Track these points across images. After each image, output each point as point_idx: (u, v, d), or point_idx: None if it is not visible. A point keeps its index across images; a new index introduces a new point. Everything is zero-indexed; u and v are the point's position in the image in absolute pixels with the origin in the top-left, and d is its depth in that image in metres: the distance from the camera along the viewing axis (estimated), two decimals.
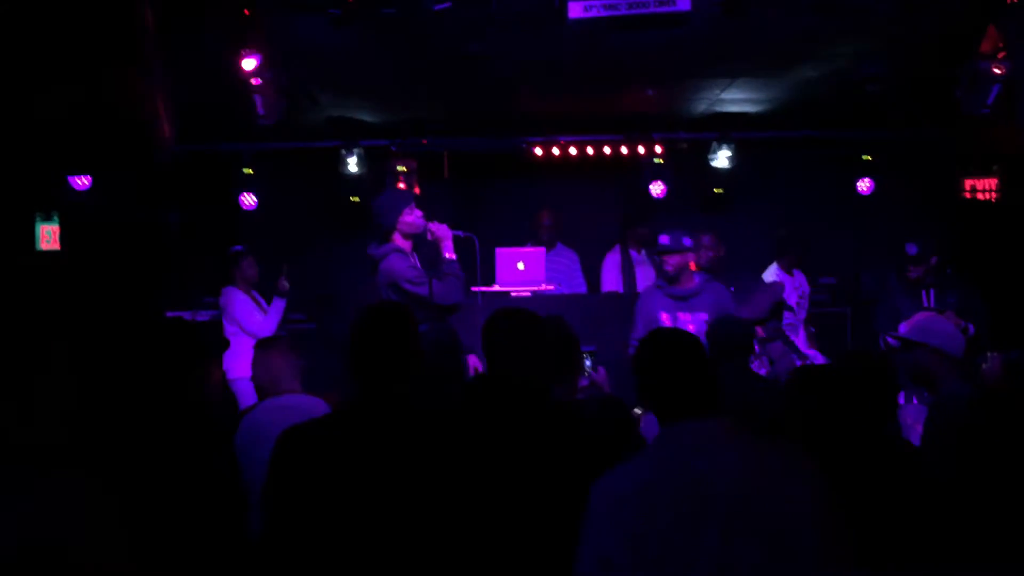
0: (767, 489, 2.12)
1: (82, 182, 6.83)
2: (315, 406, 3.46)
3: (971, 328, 5.77)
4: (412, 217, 5.28)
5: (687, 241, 5.66)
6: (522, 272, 6.79)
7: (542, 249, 7.07)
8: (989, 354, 4.33)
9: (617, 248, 7.89)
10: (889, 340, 5.32)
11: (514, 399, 2.98)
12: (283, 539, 2.43)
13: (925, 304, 6.29)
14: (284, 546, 2.42)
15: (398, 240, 5.25)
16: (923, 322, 4.22)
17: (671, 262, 5.64)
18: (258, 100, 5.08)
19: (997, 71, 4.69)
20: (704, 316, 5.55)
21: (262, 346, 3.77)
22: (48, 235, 7.58)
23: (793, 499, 2.12)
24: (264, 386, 3.62)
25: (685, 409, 2.25)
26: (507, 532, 2.55)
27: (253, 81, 4.91)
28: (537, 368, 3.15)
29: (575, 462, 2.85)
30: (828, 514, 2.14)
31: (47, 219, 7.54)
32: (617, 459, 3.43)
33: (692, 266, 5.81)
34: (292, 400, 3.49)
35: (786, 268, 7.09)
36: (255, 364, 3.69)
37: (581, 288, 7.63)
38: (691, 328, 5.41)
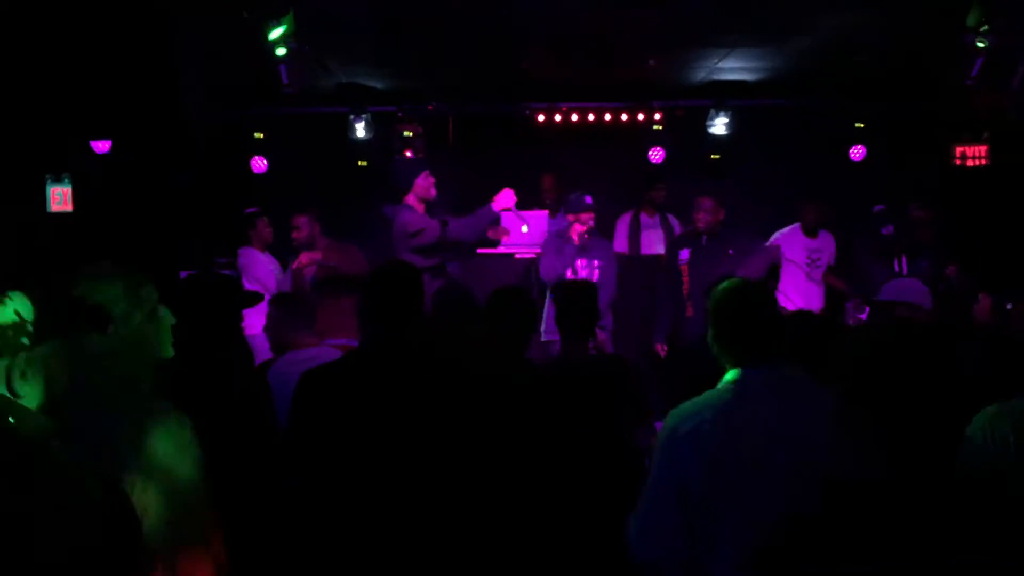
0: (824, 433, 2.35)
1: (102, 146, 7.00)
2: (334, 357, 3.70)
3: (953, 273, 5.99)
4: (426, 182, 5.73)
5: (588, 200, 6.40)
6: (526, 235, 7.03)
7: (545, 212, 7.31)
8: (980, 295, 4.67)
9: (630, 212, 8.14)
10: (866, 311, 5.59)
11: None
12: (304, 469, 2.69)
13: (896, 270, 6.55)
14: (306, 476, 2.68)
15: (411, 200, 5.64)
16: (896, 284, 4.57)
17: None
18: (283, 69, 5.25)
19: (980, 44, 4.88)
20: (597, 263, 6.34)
21: (278, 303, 3.99)
22: (59, 196, 7.78)
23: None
24: (280, 340, 3.85)
25: (760, 355, 2.45)
26: (500, 464, 2.83)
27: (278, 51, 5.08)
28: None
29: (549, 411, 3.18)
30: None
31: (58, 181, 7.73)
32: (615, 406, 3.74)
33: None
34: (314, 352, 3.72)
35: (806, 231, 7.32)
36: (270, 320, 3.91)
37: None
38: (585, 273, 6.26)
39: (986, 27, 4.82)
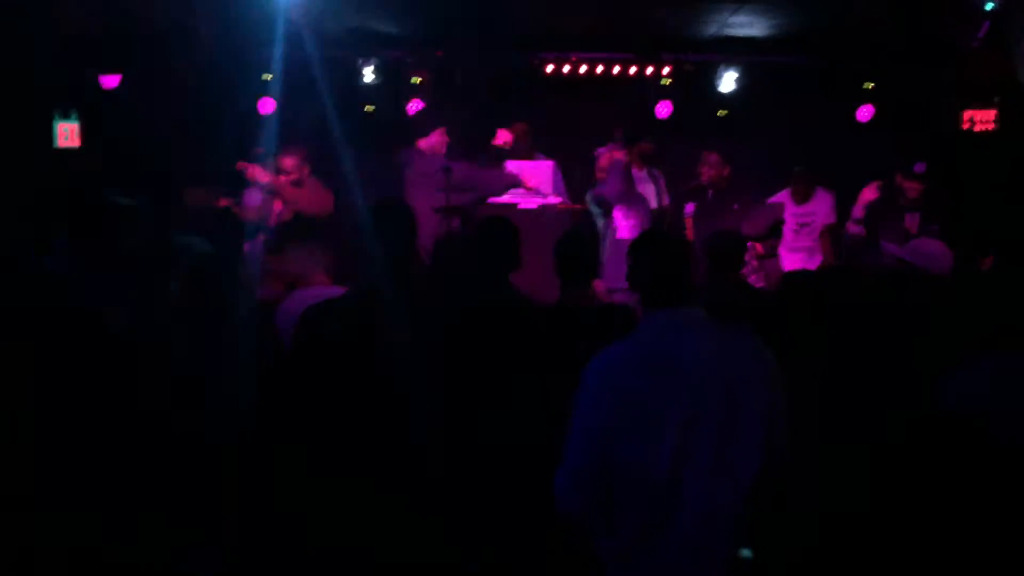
0: (727, 367, 2.46)
1: (111, 81, 7.01)
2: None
3: None
4: (442, 139, 5.98)
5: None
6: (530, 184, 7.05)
7: (551, 162, 7.32)
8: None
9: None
10: (892, 251, 5.68)
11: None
12: (300, 397, 2.79)
13: (907, 226, 6.55)
14: (300, 404, 2.78)
15: (423, 146, 5.81)
16: (921, 245, 4.60)
17: None
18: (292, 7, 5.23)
19: (988, 6, 4.85)
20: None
21: (301, 240, 4.07)
22: (66, 132, 7.80)
23: (748, 380, 2.47)
24: (298, 279, 3.94)
25: (664, 299, 2.58)
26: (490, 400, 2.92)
27: None
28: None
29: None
30: (775, 398, 2.48)
31: (65, 116, 7.75)
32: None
33: None
34: (322, 291, 3.80)
35: (795, 197, 7.34)
36: (291, 258, 4.00)
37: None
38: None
39: None
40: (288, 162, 6.44)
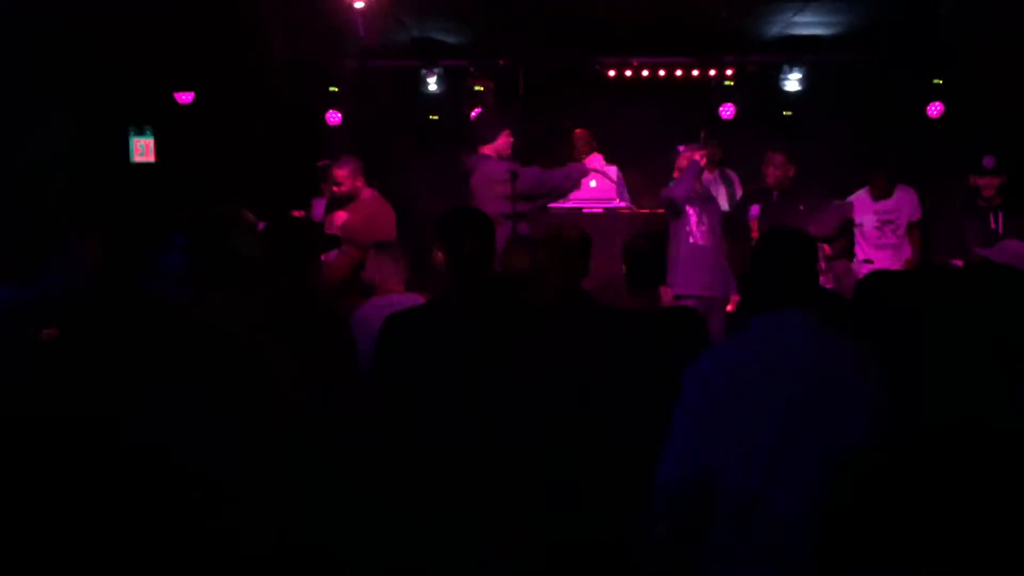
0: (832, 370, 2.44)
1: (185, 97, 7.22)
2: (418, 303, 3.86)
3: None
4: (507, 140, 6.00)
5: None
6: (594, 189, 7.09)
7: (614, 167, 7.34)
8: None
9: None
10: (980, 252, 5.59)
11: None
12: (390, 410, 2.82)
13: (993, 227, 6.43)
14: (386, 414, 2.81)
15: (489, 152, 5.84)
16: (1009, 246, 4.51)
17: None
18: (360, 20, 5.36)
19: None
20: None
21: (378, 248, 4.16)
22: (142, 148, 8.05)
23: (852, 384, 2.44)
24: (373, 284, 4.03)
25: (767, 302, 2.53)
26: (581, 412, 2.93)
27: (356, 3, 5.19)
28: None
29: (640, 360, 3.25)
30: (879, 403, 2.46)
31: (140, 133, 8.00)
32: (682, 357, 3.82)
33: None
34: (398, 298, 3.87)
35: (875, 194, 7.25)
36: (369, 264, 4.09)
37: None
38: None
39: None
40: (340, 173, 6.23)
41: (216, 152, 7.62)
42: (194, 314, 2.33)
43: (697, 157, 6.30)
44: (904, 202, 7.28)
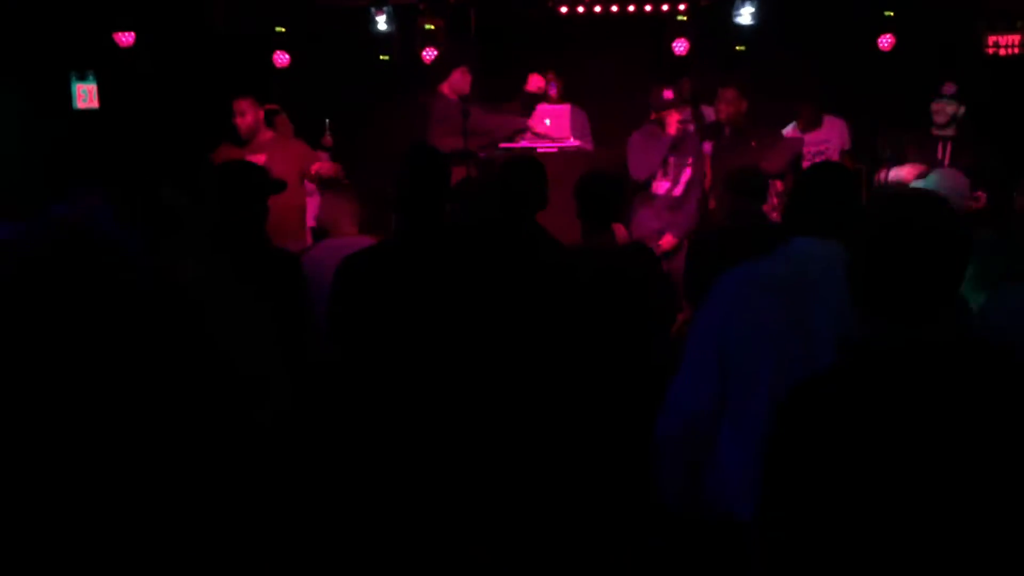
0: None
1: (126, 39, 7.01)
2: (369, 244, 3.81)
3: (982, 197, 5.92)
4: (464, 78, 5.96)
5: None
6: (548, 128, 7.03)
7: (567, 106, 7.28)
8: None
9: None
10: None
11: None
12: (345, 344, 2.82)
13: (940, 157, 6.47)
14: (346, 351, 2.81)
15: (444, 89, 5.81)
16: (936, 177, 4.54)
17: None
18: None
19: None
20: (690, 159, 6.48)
21: (329, 189, 4.10)
22: (84, 94, 7.83)
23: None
24: (326, 226, 3.98)
25: (807, 227, 2.51)
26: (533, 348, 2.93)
27: None
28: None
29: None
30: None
31: (83, 78, 7.78)
32: (646, 288, 3.82)
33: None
34: (350, 241, 3.83)
35: (804, 127, 7.28)
36: (321, 206, 4.03)
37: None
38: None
39: None
40: (241, 106, 6.01)
41: (160, 96, 7.44)
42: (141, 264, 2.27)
43: (689, 128, 6.21)
44: (833, 132, 7.33)
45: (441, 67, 6.16)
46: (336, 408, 2.82)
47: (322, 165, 5.98)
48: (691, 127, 6.34)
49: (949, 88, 6.20)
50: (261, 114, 6.19)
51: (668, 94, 6.35)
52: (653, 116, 6.40)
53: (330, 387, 2.87)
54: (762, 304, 2.39)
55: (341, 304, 2.86)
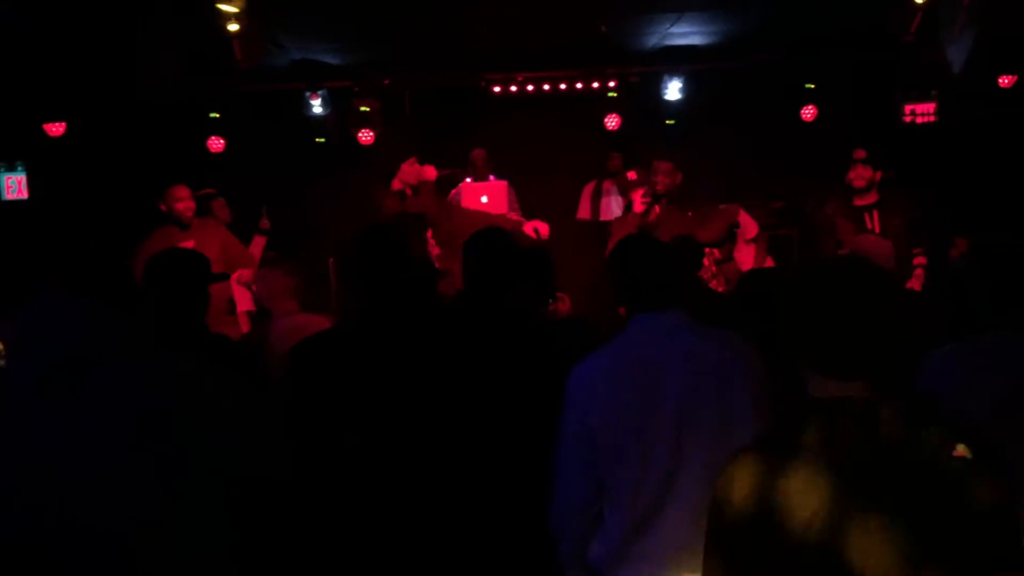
0: (715, 366, 2.47)
1: (56, 129, 6.94)
2: (323, 324, 3.73)
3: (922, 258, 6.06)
4: (411, 168, 6.19)
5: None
6: (486, 204, 7.10)
7: (504, 183, 7.37)
8: (956, 239, 4.76)
9: (595, 181, 8.24)
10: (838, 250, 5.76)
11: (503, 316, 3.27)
12: (310, 443, 2.64)
13: (868, 227, 6.64)
14: (312, 449, 2.63)
15: (395, 185, 6.01)
16: (864, 241, 4.66)
17: None
18: (236, 45, 5.25)
19: (919, 0, 4.97)
20: None
21: (267, 265, 4.05)
22: (13, 184, 7.72)
23: (736, 377, 2.48)
24: (265, 304, 3.91)
25: (645, 304, 2.56)
26: (504, 430, 2.84)
27: (231, 26, 5.07)
28: (517, 290, 3.49)
29: (554, 372, 3.17)
30: (762, 390, 2.51)
31: (11, 169, 7.68)
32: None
33: None
34: (302, 320, 3.75)
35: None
36: (259, 281, 3.97)
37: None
38: None
39: None
40: (183, 191, 5.99)
41: (92, 185, 7.35)
42: None
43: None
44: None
45: (375, 153, 6.32)
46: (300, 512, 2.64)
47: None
48: (656, 209, 6.43)
49: (860, 153, 6.35)
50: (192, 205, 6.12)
51: (632, 175, 6.48)
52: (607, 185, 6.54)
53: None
54: (616, 388, 2.44)
55: (300, 390, 2.68)
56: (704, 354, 2.48)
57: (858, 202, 6.40)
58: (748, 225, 7.16)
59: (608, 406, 2.43)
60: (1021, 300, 2.62)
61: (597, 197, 8.13)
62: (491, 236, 3.27)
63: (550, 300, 4.33)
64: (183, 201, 5.88)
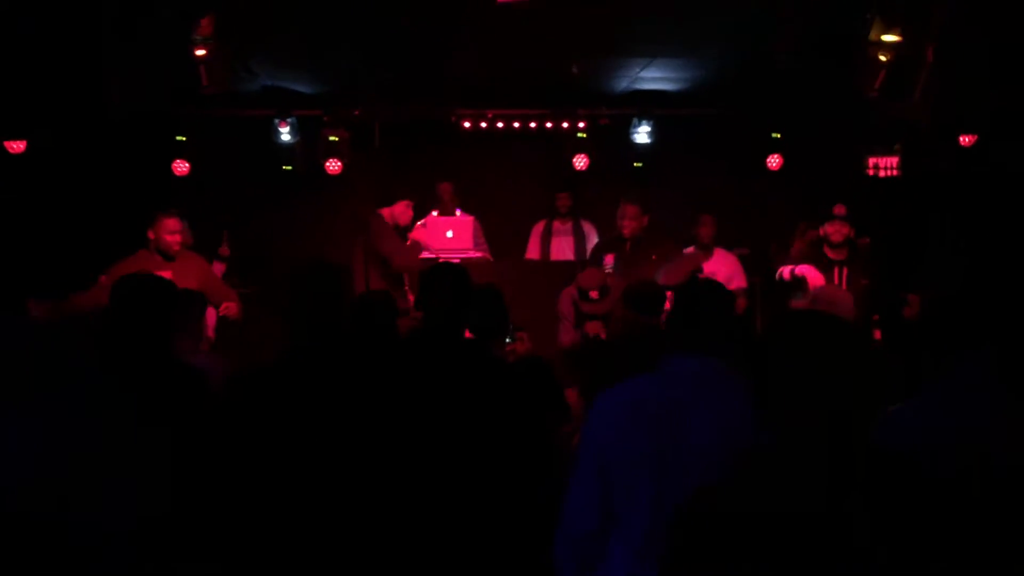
0: (740, 422, 2.43)
1: (17, 146, 6.84)
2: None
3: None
4: (405, 212, 6.38)
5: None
6: (451, 240, 7.09)
7: (471, 218, 7.37)
8: (909, 297, 4.78)
9: (544, 220, 8.22)
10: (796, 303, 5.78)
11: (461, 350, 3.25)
12: (247, 478, 2.60)
13: (836, 282, 6.65)
14: (249, 484, 2.59)
15: (385, 213, 6.12)
16: (827, 294, 4.69)
17: None
18: (203, 70, 5.22)
19: (883, 57, 5.06)
20: None
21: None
22: None
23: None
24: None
25: (688, 344, 2.51)
26: (456, 466, 2.81)
27: (198, 51, 5.05)
28: (473, 325, 3.49)
29: (511, 407, 3.14)
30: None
31: None
32: (542, 407, 3.76)
33: None
34: (208, 359, 3.69)
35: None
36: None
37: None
38: None
39: (888, 40, 5.00)
40: (175, 223, 5.90)
41: (53, 205, 7.24)
42: None
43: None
44: (721, 264, 7.43)
45: (343, 182, 6.31)
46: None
47: (230, 306, 5.85)
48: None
49: (840, 210, 6.36)
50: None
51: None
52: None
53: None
54: (637, 423, 2.41)
55: (237, 425, 2.64)
56: (730, 403, 2.45)
57: (831, 255, 6.36)
58: (737, 274, 7.24)
59: (626, 443, 2.40)
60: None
61: (547, 237, 8.11)
62: (445, 270, 3.33)
63: (507, 339, 4.31)
64: (173, 235, 5.81)
